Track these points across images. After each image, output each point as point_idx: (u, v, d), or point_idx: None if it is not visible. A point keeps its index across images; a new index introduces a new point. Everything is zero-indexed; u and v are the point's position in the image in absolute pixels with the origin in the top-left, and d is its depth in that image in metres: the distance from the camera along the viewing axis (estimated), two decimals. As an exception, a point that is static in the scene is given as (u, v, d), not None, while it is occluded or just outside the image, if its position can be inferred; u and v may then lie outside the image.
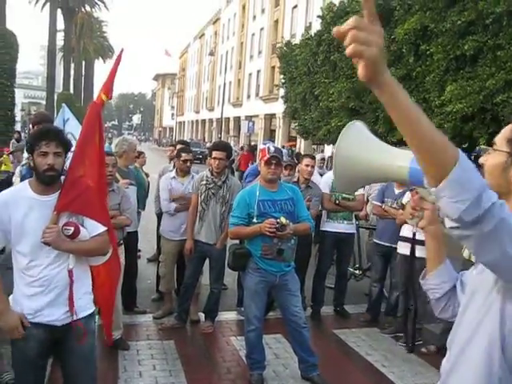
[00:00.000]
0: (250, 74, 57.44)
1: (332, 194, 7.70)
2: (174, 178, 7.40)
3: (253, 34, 57.57)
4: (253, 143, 45.96)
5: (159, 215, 8.05)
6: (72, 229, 3.46)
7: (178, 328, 6.95)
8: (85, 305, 3.69)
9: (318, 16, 25.26)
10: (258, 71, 54.15)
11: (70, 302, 3.56)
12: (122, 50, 4.71)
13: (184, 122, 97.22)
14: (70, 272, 3.55)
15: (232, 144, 38.15)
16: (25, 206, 3.45)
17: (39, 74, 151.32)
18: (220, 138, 50.29)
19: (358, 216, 8.61)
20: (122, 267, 6.21)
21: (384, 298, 7.96)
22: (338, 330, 7.36)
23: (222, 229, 6.61)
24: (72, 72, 58.55)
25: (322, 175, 9.04)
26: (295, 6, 45.15)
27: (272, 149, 5.40)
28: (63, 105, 8.04)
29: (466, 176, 1.52)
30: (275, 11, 50.09)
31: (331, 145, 28.94)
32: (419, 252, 6.71)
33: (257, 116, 51.53)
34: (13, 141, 20.02)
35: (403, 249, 6.87)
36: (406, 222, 6.85)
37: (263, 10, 54.06)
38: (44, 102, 52.86)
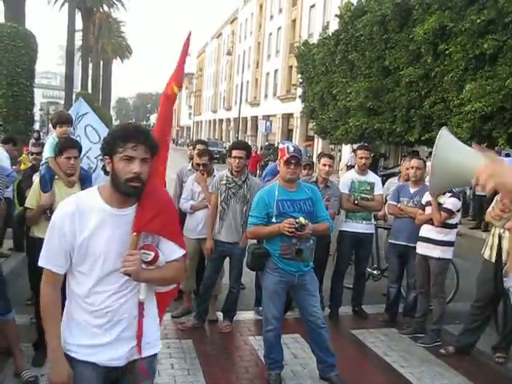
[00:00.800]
0: (268, 74, 57.41)
1: (351, 193, 7.69)
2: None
3: (270, 34, 57.53)
4: (266, 143, 46.01)
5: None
6: (152, 254, 2.89)
7: (196, 327, 6.97)
8: (153, 341, 3.09)
9: (336, 15, 25.28)
10: (276, 71, 54.13)
11: (139, 338, 2.96)
12: (189, 34, 4.33)
13: (201, 121, 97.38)
14: (141, 304, 2.95)
15: (250, 144, 38.12)
16: (95, 220, 2.81)
17: (58, 74, 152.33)
18: (237, 137, 50.36)
19: (377, 216, 8.58)
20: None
21: (402, 298, 7.93)
22: (356, 331, 7.33)
23: (244, 228, 6.60)
24: (90, 72, 58.80)
25: None
26: (313, 6, 45.07)
27: (291, 148, 5.39)
28: (80, 98, 8.06)
29: None
30: (293, 10, 50.06)
31: (349, 144, 28.90)
32: (437, 253, 6.73)
33: (274, 115, 51.52)
34: (32, 140, 20.17)
35: (422, 249, 6.85)
36: (425, 223, 6.83)
37: (281, 10, 54.02)
38: (62, 102, 53.15)
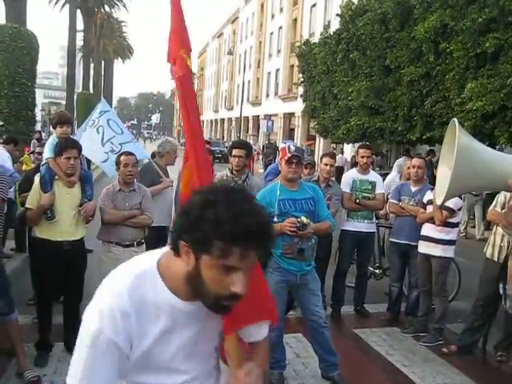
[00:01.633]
0: (269, 73, 57.45)
1: (352, 193, 7.69)
2: None
3: (271, 33, 57.56)
4: (266, 142, 45.98)
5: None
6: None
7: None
8: None
9: (337, 14, 25.28)
10: (277, 70, 54.16)
11: None
12: None
13: (203, 121, 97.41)
14: None
15: (252, 143, 38.18)
16: (162, 322, 1.87)
17: (59, 74, 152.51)
18: (239, 137, 50.35)
19: (378, 215, 8.58)
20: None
21: (404, 297, 7.92)
22: (358, 330, 7.33)
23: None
24: (91, 72, 58.84)
25: None
26: (314, 5, 45.07)
27: (293, 148, 5.38)
28: (102, 98, 8.35)
29: None
30: (294, 10, 50.06)
31: (350, 144, 28.91)
32: (438, 251, 6.73)
33: (276, 115, 51.52)
34: (33, 141, 20.20)
35: (424, 248, 6.85)
36: (427, 221, 6.84)
37: (282, 9, 54.03)
38: (64, 102, 53.20)
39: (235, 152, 6.70)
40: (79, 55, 59.07)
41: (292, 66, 46.16)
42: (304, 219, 5.14)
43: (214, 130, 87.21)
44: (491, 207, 6.33)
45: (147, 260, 1.93)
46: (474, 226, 15.54)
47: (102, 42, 64.15)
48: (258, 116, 58.50)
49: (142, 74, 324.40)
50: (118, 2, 61.60)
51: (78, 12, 50.98)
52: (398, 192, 7.62)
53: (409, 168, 7.93)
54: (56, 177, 5.67)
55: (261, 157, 41.08)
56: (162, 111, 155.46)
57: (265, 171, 14.32)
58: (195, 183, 2.55)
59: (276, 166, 8.27)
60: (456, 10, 16.31)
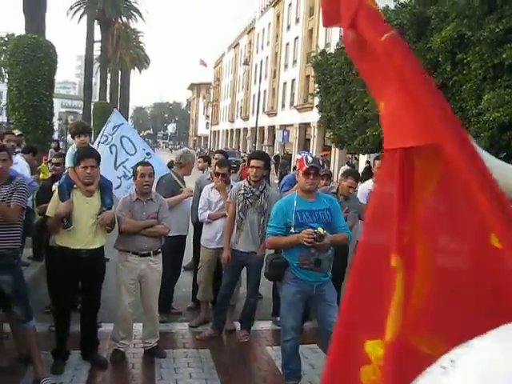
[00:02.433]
0: (285, 84, 57.48)
1: (369, 203, 7.66)
2: (213, 187, 7.46)
3: (287, 44, 57.61)
4: (277, 153, 45.97)
5: (196, 224, 8.09)
6: None
7: (213, 337, 6.98)
8: None
9: (354, 25, 25.19)
10: (293, 80, 54.17)
11: None
12: None
13: (219, 131, 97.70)
14: None
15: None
16: None
17: (76, 84, 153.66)
18: (255, 147, 50.38)
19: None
20: (160, 274, 6.31)
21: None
22: (373, 341, 7.29)
23: (261, 238, 6.61)
24: (108, 82, 59.25)
25: None
26: (330, 16, 45.03)
27: (310, 159, 5.40)
28: (115, 110, 8.28)
29: None
30: (310, 20, 50.09)
31: (366, 154, 28.84)
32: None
33: (291, 125, 51.50)
34: (51, 150, 20.33)
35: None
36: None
37: (297, 20, 54.09)
38: (81, 112, 53.58)
39: (253, 163, 6.71)
40: (96, 65, 59.58)
41: (308, 77, 46.16)
42: (321, 230, 5.14)
43: (229, 139, 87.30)
44: None
45: None
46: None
47: (119, 52, 64.67)
48: (273, 126, 58.51)
49: (158, 83, 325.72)
50: (134, 13, 62.14)
51: (96, 23, 51.46)
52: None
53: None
54: (74, 186, 5.72)
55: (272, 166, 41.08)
56: (178, 121, 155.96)
57: (279, 182, 14.33)
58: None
59: (292, 176, 8.27)
60: (473, 20, 16.26)
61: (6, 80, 26.55)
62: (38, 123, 19.25)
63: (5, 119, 44.14)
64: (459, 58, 16.93)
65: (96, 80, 64.09)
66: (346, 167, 29.64)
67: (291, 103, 53.70)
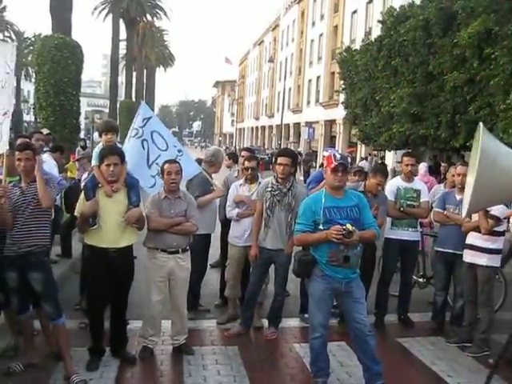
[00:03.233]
0: (310, 81, 57.33)
1: (396, 200, 7.63)
2: (241, 185, 7.48)
3: (312, 40, 57.45)
4: (300, 149, 45.85)
5: (223, 222, 8.11)
6: None
7: (241, 334, 7.00)
8: None
9: (379, 21, 25.08)
10: (318, 77, 54.01)
11: None
12: None
13: (244, 128, 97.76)
14: None
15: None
16: None
17: (101, 83, 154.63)
18: (280, 144, 50.38)
19: (422, 223, 8.49)
20: (188, 271, 6.32)
21: (449, 306, 7.81)
22: (401, 339, 7.26)
23: (289, 235, 6.61)
24: (134, 80, 59.52)
25: None
26: (355, 11, 44.85)
27: (338, 156, 5.38)
28: (142, 102, 8.13)
29: None
30: (334, 17, 49.91)
31: (392, 151, 28.66)
32: (484, 260, 6.63)
33: (317, 122, 51.38)
34: (78, 148, 20.54)
35: (469, 257, 6.76)
36: (472, 230, 6.74)
37: (322, 16, 53.90)
38: (107, 110, 53.94)
39: (281, 160, 6.71)
40: (122, 64, 59.91)
41: (333, 73, 45.99)
42: (350, 227, 5.13)
43: (254, 137, 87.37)
44: None
45: None
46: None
47: (145, 50, 64.93)
48: (298, 123, 58.45)
49: (183, 81, 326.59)
50: (159, 12, 62.34)
51: (121, 21, 51.78)
52: (442, 200, 7.53)
53: (453, 176, 7.83)
54: (100, 184, 5.74)
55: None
56: (203, 119, 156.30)
57: (304, 178, 14.31)
58: None
59: (319, 173, 8.24)
60: (501, 14, 16.04)
61: (33, 80, 26.82)
62: (65, 122, 19.41)
63: (32, 118, 44.55)
64: (486, 53, 16.71)
65: (122, 79, 64.43)
66: (363, 163, 30.15)
67: (316, 100, 53.53)
